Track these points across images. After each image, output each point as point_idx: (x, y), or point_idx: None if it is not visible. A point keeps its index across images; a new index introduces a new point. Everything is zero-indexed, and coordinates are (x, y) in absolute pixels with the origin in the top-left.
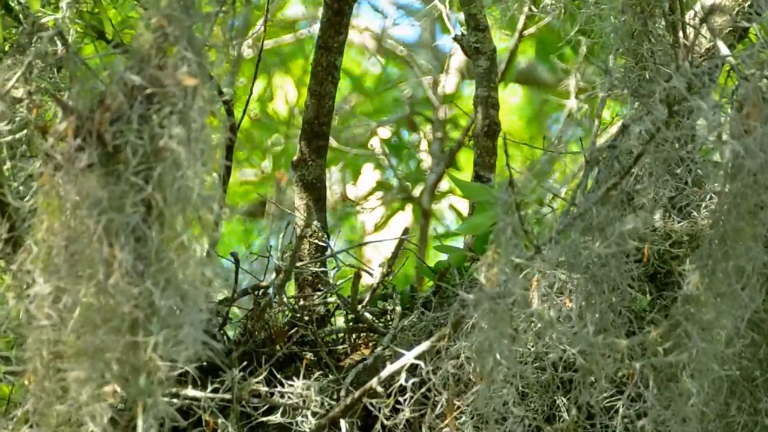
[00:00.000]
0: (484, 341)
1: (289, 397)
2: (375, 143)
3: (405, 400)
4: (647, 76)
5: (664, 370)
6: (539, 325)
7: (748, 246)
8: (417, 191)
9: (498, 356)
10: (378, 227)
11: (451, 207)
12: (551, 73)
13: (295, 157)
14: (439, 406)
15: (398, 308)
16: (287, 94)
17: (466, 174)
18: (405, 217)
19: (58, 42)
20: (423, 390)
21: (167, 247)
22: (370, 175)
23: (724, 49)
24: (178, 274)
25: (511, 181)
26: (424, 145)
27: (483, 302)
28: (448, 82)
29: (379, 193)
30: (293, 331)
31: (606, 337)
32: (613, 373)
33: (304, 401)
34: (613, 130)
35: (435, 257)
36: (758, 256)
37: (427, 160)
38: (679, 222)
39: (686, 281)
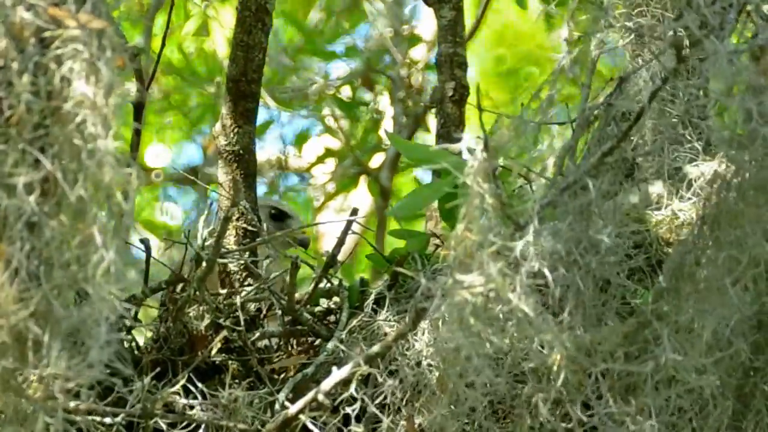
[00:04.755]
0: (451, 342)
1: (213, 411)
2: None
3: (354, 412)
4: (651, 18)
5: (623, 379)
6: (516, 322)
7: (745, 232)
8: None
9: (467, 361)
10: (327, 199)
11: (414, 181)
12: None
13: (217, 124)
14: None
15: (345, 306)
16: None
17: None
18: (360, 197)
19: None
20: (376, 402)
21: (70, 240)
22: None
23: None
24: (84, 276)
25: (485, 143)
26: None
27: (451, 292)
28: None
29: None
30: (217, 335)
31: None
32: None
33: (230, 415)
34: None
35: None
36: (758, 247)
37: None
38: (688, 198)
39: (663, 271)
